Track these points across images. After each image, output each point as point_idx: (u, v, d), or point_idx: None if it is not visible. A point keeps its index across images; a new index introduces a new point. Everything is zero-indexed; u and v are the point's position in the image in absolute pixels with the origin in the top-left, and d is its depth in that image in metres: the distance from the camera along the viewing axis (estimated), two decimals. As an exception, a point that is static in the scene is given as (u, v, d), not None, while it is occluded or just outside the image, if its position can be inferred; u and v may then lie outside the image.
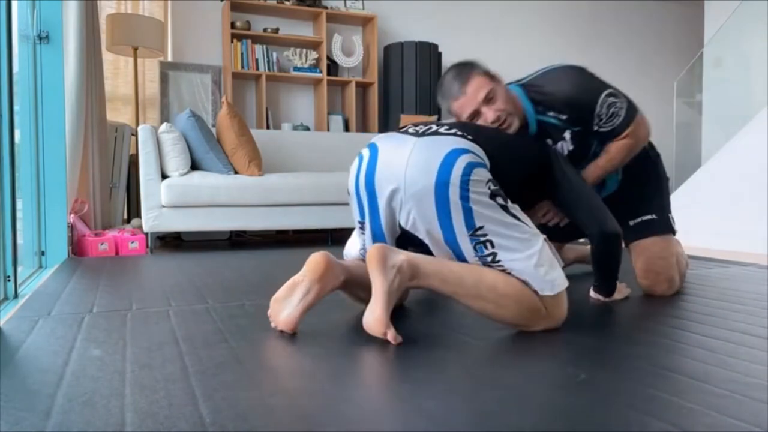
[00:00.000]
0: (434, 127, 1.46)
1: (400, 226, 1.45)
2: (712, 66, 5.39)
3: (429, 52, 4.91)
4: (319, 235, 4.51)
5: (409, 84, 4.86)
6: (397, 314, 1.62)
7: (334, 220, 3.79)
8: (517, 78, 1.85)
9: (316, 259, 1.42)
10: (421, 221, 1.39)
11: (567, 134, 1.78)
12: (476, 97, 1.66)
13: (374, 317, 1.30)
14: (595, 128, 1.76)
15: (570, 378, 1.09)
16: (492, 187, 1.36)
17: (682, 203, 3.93)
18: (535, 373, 1.14)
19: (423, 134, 1.43)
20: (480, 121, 1.68)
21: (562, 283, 1.39)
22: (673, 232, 1.99)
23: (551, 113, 1.75)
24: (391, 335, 1.28)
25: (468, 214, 1.34)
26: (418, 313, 1.65)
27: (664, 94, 6.16)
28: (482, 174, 1.35)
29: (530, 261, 1.35)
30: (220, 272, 2.51)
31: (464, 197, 1.33)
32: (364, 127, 5.14)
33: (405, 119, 4.48)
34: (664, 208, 2.00)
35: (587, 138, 1.80)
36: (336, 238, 4.15)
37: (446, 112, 1.77)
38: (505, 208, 1.37)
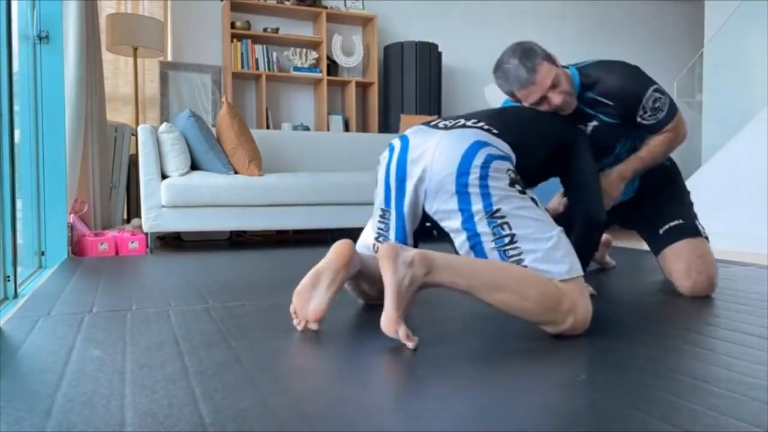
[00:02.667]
0: (462, 121, 1.53)
1: (424, 212, 1.50)
2: (712, 66, 5.39)
3: (429, 52, 4.91)
4: (319, 235, 4.51)
5: (409, 84, 4.86)
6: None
7: (334, 220, 3.79)
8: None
9: (341, 246, 1.46)
10: (443, 206, 1.43)
11: (592, 123, 1.85)
12: (544, 84, 1.72)
13: (386, 317, 1.28)
14: (639, 119, 1.83)
15: (570, 378, 1.09)
16: (512, 176, 1.41)
17: (682, 203, 3.92)
18: (535, 373, 1.13)
19: (451, 127, 1.49)
20: (544, 105, 1.75)
21: (578, 269, 1.38)
22: (703, 236, 2.00)
23: (599, 98, 1.82)
24: (402, 333, 1.26)
25: (486, 197, 1.37)
26: (418, 314, 1.65)
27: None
28: (502, 164, 1.41)
29: (548, 243, 1.36)
30: (220, 272, 2.51)
31: (483, 183, 1.37)
32: (364, 127, 5.14)
33: (405, 119, 4.48)
34: (691, 214, 2.03)
35: (616, 132, 1.86)
36: (336, 238, 4.15)
37: (503, 93, 1.82)
38: (523, 193, 1.41)
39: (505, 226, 1.37)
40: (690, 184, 4.28)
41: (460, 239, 1.43)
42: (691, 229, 1.98)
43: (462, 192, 1.39)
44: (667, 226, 2.00)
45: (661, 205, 2.04)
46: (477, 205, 1.38)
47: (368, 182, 3.66)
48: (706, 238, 2.00)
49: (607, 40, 6.22)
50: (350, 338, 1.40)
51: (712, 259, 1.97)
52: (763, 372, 1.12)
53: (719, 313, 1.68)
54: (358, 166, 4.40)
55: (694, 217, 2.03)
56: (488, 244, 1.38)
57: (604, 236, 2.54)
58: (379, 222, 1.59)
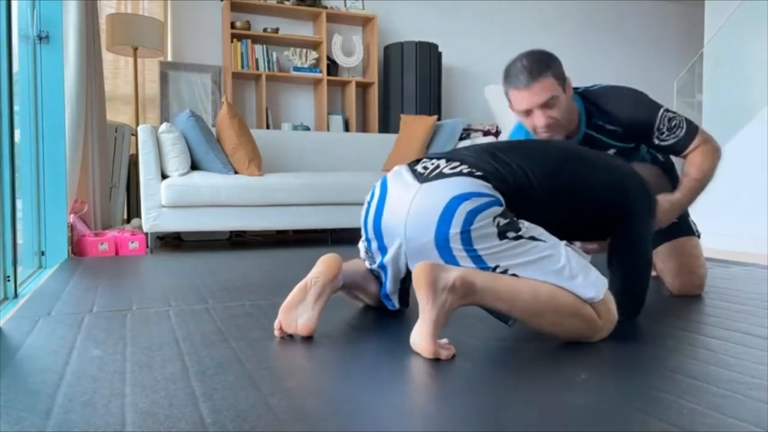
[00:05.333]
0: (441, 166, 1.35)
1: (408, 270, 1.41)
2: (712, 66, 5.39)
3: (429, 52, 4.90)
4: (319, 235, 4.51)
5: (409, 84, 4.86)
6: (398, 316, 1.62)
7: (334, 220, 3.79)
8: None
9: (329, 260, 1.41)
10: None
11: (612, 151, 1.77)
12: (537, 98, 1.63)
13: (424, 344, 1.20)
14: (656, 141, 1.75)
15: (570, 378, 1.09)
16: (501, 224, 1.26)
17: (682, 203, 3.92)
18: (535, 373, 1.13)
19: (427, 178, 1.33)
20: (529, 120, 1.68)
21: (603, 282, 1.30)
22: (696, 234, 1.99)
23: (608, 126, 1.74)
24: (443, 355, 1.20)
25: (478, 260, 1.27)
26: (417, 314, 1.65)
27: (664, 94, 6.14)
28: (486, 216, 1.25)
29: (563, 275, 1.27)
30: (220, 272, 2.51)
31: (469, 248, 1.26)
32: (364, 127, 5.13)
33: (405, 119, 4.48)
34: (685, 212, 2.00)
35: (634, 156, 1.80)
36: (336, 238, 4.15)
37: (500, 91, 1.75)
38: (518, 238, 1.27)
39: (515, 272, 1.28)
40: (690, 184, 4.28)
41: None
42: (684, 228, 1.97)
43: (447, 257, 1.28)
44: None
45: None
46: (472, 266, 1.27)
47: (368, 182, 3.66)
48: (699, 235, 2.00)
49: (607, 41, 6.22)
50: (350, 338, 1.40)
51: (703, 259, 1.97)
52: (763, 372, 1.12)
53: (719, 313, 1.68)
54: (358, 166, 4.40)
55: (687, 214, 2.01)
56: None
57: None
58: (365, 240, 1.52)
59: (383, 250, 1.44)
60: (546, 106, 1.64)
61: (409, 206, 1.31)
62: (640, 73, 6.32)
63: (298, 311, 1.38)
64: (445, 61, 5.28)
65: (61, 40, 2.93)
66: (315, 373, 1.13)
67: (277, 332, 1.39)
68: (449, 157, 1.39)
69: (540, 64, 1.63)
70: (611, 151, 1.78)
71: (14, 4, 2.50)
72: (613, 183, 1.44)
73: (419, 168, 1.39)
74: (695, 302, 1.84)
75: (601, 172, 1.44)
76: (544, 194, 1.35)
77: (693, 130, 1.75)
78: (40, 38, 2.84)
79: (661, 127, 1.73)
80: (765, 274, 2.45)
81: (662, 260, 1.97)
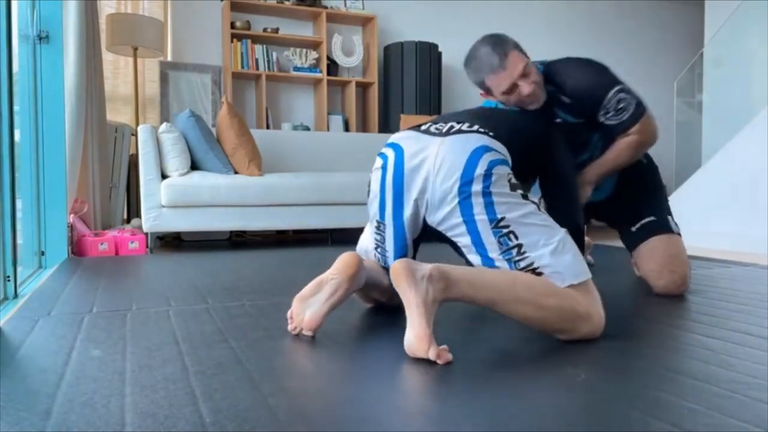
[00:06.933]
0: (456, 125, 1.46)
1: (425, 223, 1.46)
2: (712, 66, 5.39)
3: (429, 52, 4.91)
4: (319, 235, 4.51)
5: (409, 84, 4.86)
6: (398, 317, 1.62)
7: (334, 220, 3.79)
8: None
9: (348, 258, 1.42)
10: (447, 216, 1.40)
11: (559, 121, 1.83)
12: (514, 71, 1.70)
13: (416, 335, 1.19)
14: (601, 119, 1.80)
15: (570, 378, 1.09)
16: (512, 181, 1.39)
17: (682, 203, 3.93)
18: (535, 373, 1.13)
19: (447, 133, 1.44)
20: (514, 95, 1.74)
21: (587, 272, 1.36)
22: (675, 232, 1.99)
23: (558, 95, 1.80)
24: (433, 353, 1.17)
25: (489, 206, 1.34)
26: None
27: (664, 94, 6.16)
28: (503, 170, 1.37)
29: (556, 247, 1.34)
30: (220, 272, 2.51)
31: (486, 192, 1.34)
32: (364, 127, 5.14)
33: (405, 119, 4.48)
34: (663, 210, 2.00)
35: (586, 130, 1.84)
36: (336, 238, 4.15)
37: (473, 83, 1.79)
38: (525, 198, 1.38)
39: (512, 236, 1.34)
40: (690, 184, 4.28)
41: (466, 249, 1.40)
42: (662, 226, 1.96)
43: (465, 202, 1.36)
44: (639, 224, 1.99)
45: (635, 202, 2.02)
46: (481, 215, 1.35)
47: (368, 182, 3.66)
48: (679, 234, 1.99)
49: (607, 41, 6.22)
50: (350, 338, 1.40)
51: (685, 257, 1.96)
52: (763, 372, 1.12)
53: (719, 313, 1.68)
54: (358, 166, 4.40)
55: (667, 212, 2.01)
56: (496, 254, 1.36)
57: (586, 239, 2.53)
58: (376, 233, 1.55)
59: (399, 208, 1.46)
60: (524, 76, 1.71)
61: (437, 153, 1.40)
62: (640, 73, 6.32)
63: (308, 303, 1.40)
64: (445, 61, 5.28)
65: (61, 40, 2.93)
66: (315, 373, 1.13)
67: (289, 321, 1.42)
68: (458, 119, 1.50)
69: (501, 43, 1.70)
70: (558, 121, 1.84)
71: (14, 4, 2.50)
72: (535, 126, 1.63)
73: (432, 128, 1.48)
74: (695, 302, 1.84)
75: (525, 122, 1.64)
76: (512, 146, 1.49)
77: (636, 117, 1.79)
78: (40, 38, 2.84)
79: (608, 105, 1.78)
80: (765, 274, 2.45)
81: (644, 261, 1.97)
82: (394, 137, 1.52)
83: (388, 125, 4.95)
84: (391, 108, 4.94)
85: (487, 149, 1.38)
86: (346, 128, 4.98)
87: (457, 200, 1.36)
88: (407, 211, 1.45)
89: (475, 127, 1.45)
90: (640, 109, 1.79)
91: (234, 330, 1.46)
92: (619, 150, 1.83)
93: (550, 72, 1.82)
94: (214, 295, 1.95)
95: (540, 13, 5.88)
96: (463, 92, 5.49)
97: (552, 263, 1.33)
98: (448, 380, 1.08)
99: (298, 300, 1.42)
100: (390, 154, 1.48)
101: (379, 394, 1.01)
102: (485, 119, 1.51)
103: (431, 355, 1.17)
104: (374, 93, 4.98)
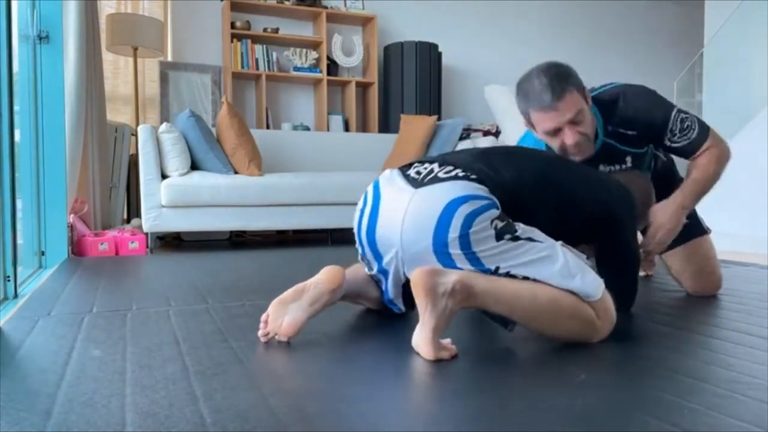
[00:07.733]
0: (435, 170, 1.34)
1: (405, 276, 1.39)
2: (712, 66, 5.38)
3: (429, 52, 4.90)
4: (319, 235, 4.51)
5: (409, 84, 4.86)
6: (398, 316, 1.62)
7: (334, 220, 3.79)
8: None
9: (332, 272, 1.39)
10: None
11: (629, 159, 1.74)
12: (565, 116, 1.55)
13: (426, 348, 1.19)
14: (667, 143, 1.71)
15: (570, 378, 1.09)
16: (498, 226, 1.26)
17: (682, 203, 3.91)
18: (535, 373, 1.13)
19: (422, 183, 1.32)
20: (557, 140, 1.60)
21: (600, 283, 1.30)
22: (707, 232, 1.97)
23: (624, 131, 1.69)
24: (444, 356, 1.19)
25: (476, 262, 1.26)
26: (416, 315, 1.65)
27: (665, 94, 6.12)
28: (484, 218, 1.25)
29: (561, 275, 1.26)
30: (220, 272, 2.51)
31: (467, 251, 1.25)
32: (364, 127, 5.13)
33: (405, 119, 4.48)
34: (694, 211, 1.98)
35: (646, 161, 1.78)
36: (336, 238, 4.15)
37: (516, 110, 1.64)
38: (516, 239, 1.26)
39: (516, 274, 1.27)
40: (690, 184, 4.28)
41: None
42: (696, 228, 1.94)
43: (446, 261, 1.27)
44: None
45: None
46: (468, 267, 1.26)
47: (368, 182, 3.65)
48: (710, 231, 1.98)
49: (607, 41, 6.22)
50: (350, 339, 1.40)
51: (717, 258, 1.96)
52: (763, 372, 1.12)
53: (719, 313, 1.68)
54: (358, 166, 4.40)
55: (695, 212, 1.98)
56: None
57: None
58: (362, 259, 1.50)
59: (379, 257, 1.41)
60: (574, 122, 1.56)
61: (405, 213, 1.29)
62: (640, 73, 6.32)
63: (288, 309, 1.34)
64: (445, 61, 5.28)
65: (61, 40, 2.93)
66: (315, 374, 1.13)
67: (262, 325, 1.35)
68: (442, 161, 1.37)
69: (561, 79, 1.55)
70: (627, 159, 1.74)
71: (14, 4, 2.50)
72: (599, 192, 1.48)
73: (412, 173, 1.37)
74: (695, 302, 1.84)
75: (589, 183, 1.48)
76: (536, 202, 1.36)
77: (704, 132, 1.71)
78: (40, 38, 2.84)
79: (674, 128, 1.68)
80: (765, 274, 2.45)
81: (679, 264, 1.94)
82: (381, 176, 1.44)
83: (388, 125, 4.94)
84: (391, 108, 4.94)
85: (464, 200, 1.25)
86: (346, 128, 4.98)
87: (434, 259, 1.28)
88: (385, 264, 1.40)
89: (455, 172, 1.31)
90: (705, 126, 1.71)
91: (234, 330, 1.46)
92: (703, 166, 1.70)
93: (604, 107, 1.69)
94: (214, 295, 1.95)
95: (540, 14, 5.88)
96: (463, 92, 5.49)
97: (564, 286, 1.27)
98: (448, 380, 1.08)
99: (276, 304, 1.34)
100: (369, 198, 1.42)
101: (379, 394, 1.01)
102: (478, 165, 1.35)
103: (442, 357, 1.18)
104: (374, 93, 4.98)
